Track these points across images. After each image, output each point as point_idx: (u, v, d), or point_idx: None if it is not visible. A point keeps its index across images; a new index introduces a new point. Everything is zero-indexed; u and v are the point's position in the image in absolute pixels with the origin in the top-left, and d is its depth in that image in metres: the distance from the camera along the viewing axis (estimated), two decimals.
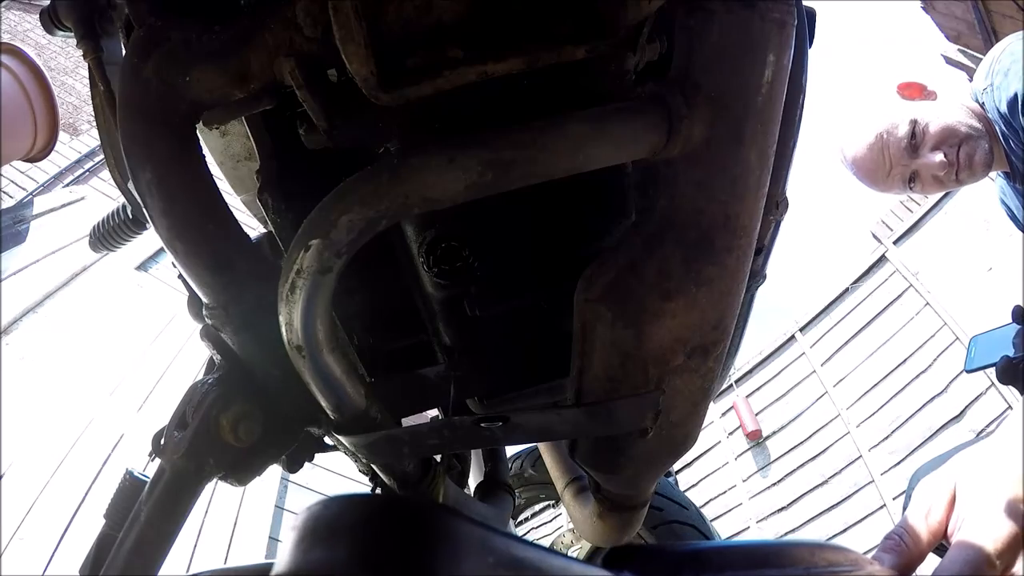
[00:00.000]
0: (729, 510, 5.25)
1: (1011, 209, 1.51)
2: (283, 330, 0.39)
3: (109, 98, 0.53)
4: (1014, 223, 1.54)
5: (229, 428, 0.47)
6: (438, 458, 0.65)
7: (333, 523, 0.27)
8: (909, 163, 1.27)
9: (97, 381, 2.71)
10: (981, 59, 1.29)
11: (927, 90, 1.31)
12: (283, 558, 0.26)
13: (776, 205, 0.47)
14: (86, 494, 2.20)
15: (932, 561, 0.53)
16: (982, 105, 1.27)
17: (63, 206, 3.48)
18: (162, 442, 0.49)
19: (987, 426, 3.76)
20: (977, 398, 3.96)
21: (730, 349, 0.50)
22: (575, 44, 0.31)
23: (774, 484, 5.05)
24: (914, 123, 1.25)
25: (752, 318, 0.58)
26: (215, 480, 0.49)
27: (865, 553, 0.48)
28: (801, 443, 5.00)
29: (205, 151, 0.42)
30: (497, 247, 0.49)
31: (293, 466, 0.57)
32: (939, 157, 1.23)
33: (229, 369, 0.47)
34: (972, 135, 1.23)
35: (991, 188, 1.54)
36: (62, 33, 0.59)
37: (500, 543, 0.26)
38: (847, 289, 5.15)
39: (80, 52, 0.55)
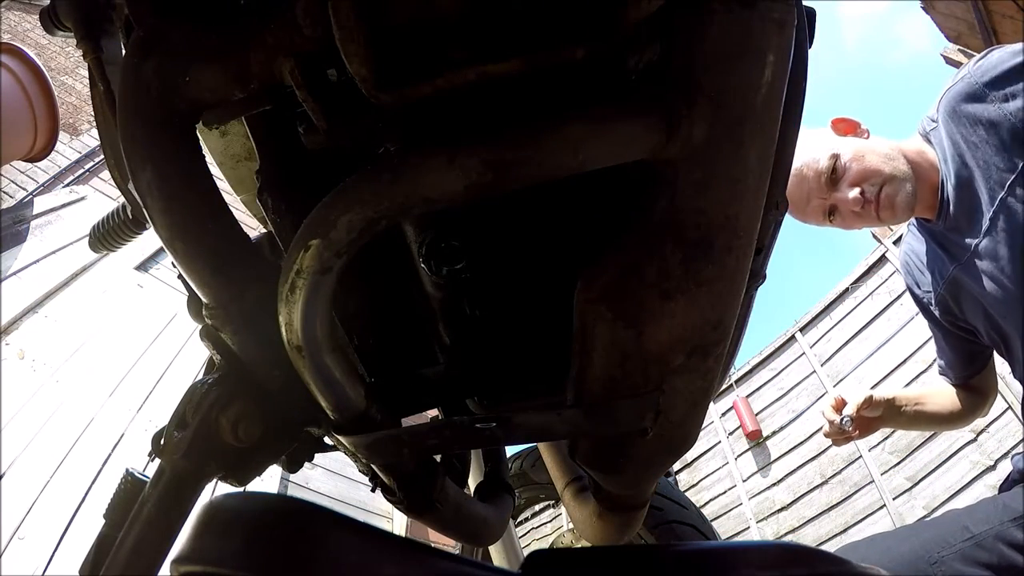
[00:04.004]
0: (729, 510, 5.24)
1: (914, 274, 1.46)
2: (283, 330, 0.39)
3: (109, 98, 0.53)
4: (914, 294, 1.49)
5: (229, 428, 0.47)
6: (438, 458, 0.65)
7: (230, 518, 0.31)
8: (827, 196, 1.27)
9: (97, 381, 2.71)
10: None
11: (860, 128, 1.32)
12: (182, 544, 0.30)
13: (776, 205, 0.47)
14: (86, 494, 2.20)
15: None
16: (927, 134, 1.27)
17: (63, 206, 3.47)
18: (162, 442, 0.49)
19: (987, 426, 3.76)
20: None
21: (730, 349, 0.49)
22: (575, 44, 0.31)
23: (774, 484, 5.05)
24: (835, 158, 1.25)
25: (752, 318, 0.58)
26: (215, 480, 0.49)
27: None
28: (801, 443, 5.00)
29: (205, 151, 0.42)
30: (497, 247, 0.49)
31: (293, 466, 0.57)
32: (854, 193, 1.23)
33: (229, 369, 0.47)
34: (896, 176, 1.23)
35: None
36: (62, 33, 0.59)
37: (379, 546, 0.29)
38: (847, 289, 5.15)
39: (80, 52, 0.55)
